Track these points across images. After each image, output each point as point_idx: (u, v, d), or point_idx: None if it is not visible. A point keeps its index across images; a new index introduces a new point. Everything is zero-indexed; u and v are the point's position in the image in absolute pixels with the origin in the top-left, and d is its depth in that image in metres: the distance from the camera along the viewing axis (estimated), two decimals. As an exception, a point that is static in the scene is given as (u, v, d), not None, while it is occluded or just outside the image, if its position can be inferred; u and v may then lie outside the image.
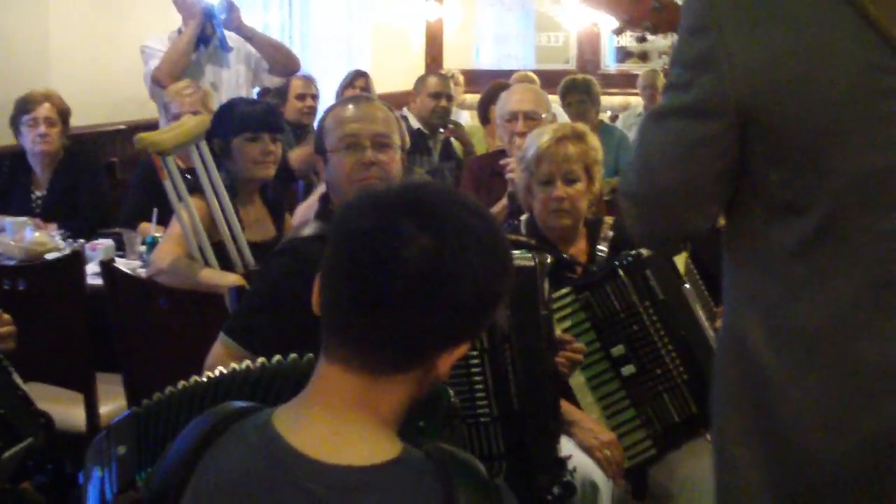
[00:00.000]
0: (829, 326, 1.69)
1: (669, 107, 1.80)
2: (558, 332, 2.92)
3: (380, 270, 1.48)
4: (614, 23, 2.55)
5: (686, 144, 1.76)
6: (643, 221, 1.93)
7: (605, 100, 8.13)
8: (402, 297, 1.49)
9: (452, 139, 6.81)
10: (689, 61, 1.75)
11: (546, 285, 2.73)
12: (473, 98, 9.00)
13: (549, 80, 8.28)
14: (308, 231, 2.83)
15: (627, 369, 3.18)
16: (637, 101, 9.36)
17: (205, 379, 1.95)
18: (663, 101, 1.82)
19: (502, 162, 4.63)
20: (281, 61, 6.26)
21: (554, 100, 6.01)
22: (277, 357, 1.94)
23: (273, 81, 6.49)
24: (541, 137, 3.47)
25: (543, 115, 4.69)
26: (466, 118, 8.95)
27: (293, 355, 1.92)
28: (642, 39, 2.32)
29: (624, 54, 11.39)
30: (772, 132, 1.70)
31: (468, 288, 1.51)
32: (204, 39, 5.94)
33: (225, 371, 1.96)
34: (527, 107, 4.73)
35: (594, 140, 3.54)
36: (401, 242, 1.48)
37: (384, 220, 1.52)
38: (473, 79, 10.45)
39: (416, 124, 6.44)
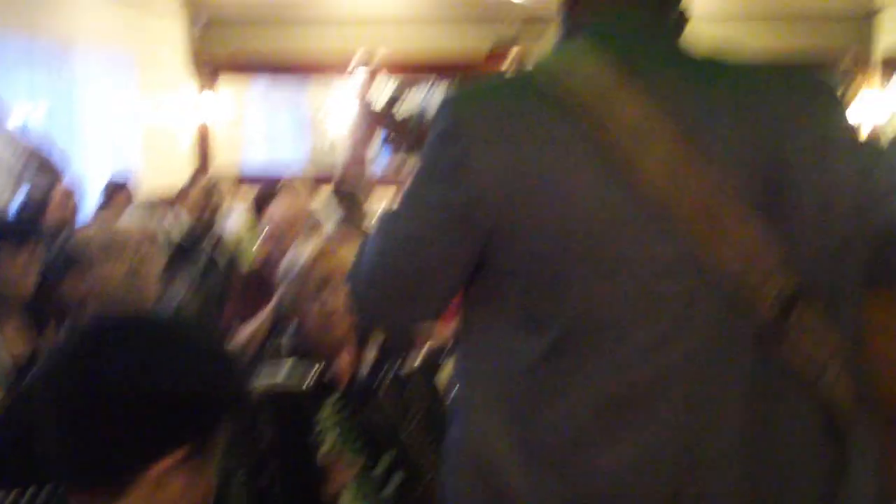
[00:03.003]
0: (571, 439, 1.69)
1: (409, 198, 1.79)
2: (326, 447, 2.91)
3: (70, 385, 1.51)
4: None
5: (423, 231, 1.76)
6: (369, 307, 1.92)
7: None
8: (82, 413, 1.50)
9: (216, 251, 6.76)
10: (440, 167, 1.72)
11: (314, 405, 2.74)
12: (242, 201, 8.97)
13: (318, 183, 8.38)
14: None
15: (398, 476, 3.19)
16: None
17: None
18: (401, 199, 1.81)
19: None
20: (45, 167, 6.09)
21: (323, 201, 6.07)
22: (31, 489, 1.89)
23: (36, 187, 6.32)
24: (304, 249, 3.50)
25: (311, 224, 4.73)
26: (234, 221, 8.90)
27: (49, 486, 1.87)
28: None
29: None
30: (510, 247, 1.68)
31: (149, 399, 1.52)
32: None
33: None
34: (292, 214, 4.78)
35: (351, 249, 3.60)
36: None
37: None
38: (242, 181, 10.44)
39: (179, 234, 6.38)
